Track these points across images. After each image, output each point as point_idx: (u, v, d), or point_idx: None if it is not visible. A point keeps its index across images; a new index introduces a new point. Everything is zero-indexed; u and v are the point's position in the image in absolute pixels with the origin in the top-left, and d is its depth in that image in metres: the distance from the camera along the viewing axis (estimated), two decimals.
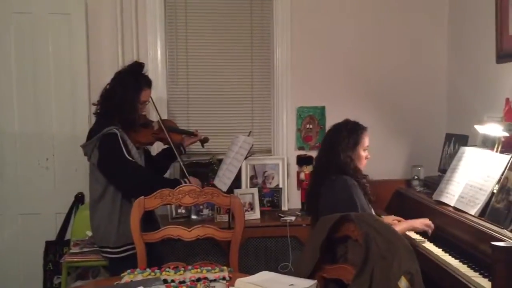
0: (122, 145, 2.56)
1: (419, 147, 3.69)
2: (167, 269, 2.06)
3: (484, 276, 2.11)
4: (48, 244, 3.38)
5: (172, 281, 1.94)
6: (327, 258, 2.04)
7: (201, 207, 3.40)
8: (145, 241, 2.26)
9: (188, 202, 2.33)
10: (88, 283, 3.03)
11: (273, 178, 3.65)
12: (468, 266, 2.24)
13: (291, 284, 1.81)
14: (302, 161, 3.64)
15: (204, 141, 3.21)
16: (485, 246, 2.13)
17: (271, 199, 3.58)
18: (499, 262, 1.84)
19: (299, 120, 3.69)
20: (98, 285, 2.60)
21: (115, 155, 2.56)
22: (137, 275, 2.01)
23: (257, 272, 1.97)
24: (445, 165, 3.10)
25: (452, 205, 2.61)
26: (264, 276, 1.93)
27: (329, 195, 2.54)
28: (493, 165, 2.45)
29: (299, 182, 3.65)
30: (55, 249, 3.37)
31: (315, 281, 1.85)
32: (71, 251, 3.04)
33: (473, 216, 2.40)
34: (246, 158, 3.07)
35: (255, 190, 3.49)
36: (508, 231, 2.12)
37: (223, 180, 3.00)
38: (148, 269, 2.07)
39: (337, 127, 2.71)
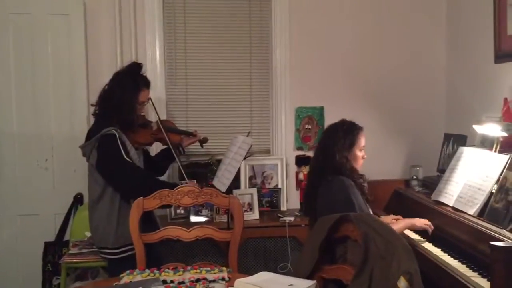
0: (120, 146, 2.55)
1: (418, 147, 3.69)
2: (166, 270, 2.06)
3: (483, 276, 2.11)
4: (47, 245, 3.38)
5: (171, 281, 1.93)
6: (326, 259, 2.04)
7: (200, 207, 3.40)
8: (144, 242, 2.25)
9: (187, 203, 2.33)
10: (87, 284, 3.03)
11: (272, 178, 3.65)
12: (467, 266, 2.24)
13: (290, 285, 1.80)
14: (301, 161, 3.64)
15: (203, 141, 3.20)
16: (484, 246, 2.13)
17: (270, 199, 3.58)
18: (498, 262, 1.85)
19: (297, 120, 3.70)
20: (97, 286, 2.60)
21: (113, 156, 2.55)
22: (136, 276, 2.01)
23: (256, 273, 1.96)
24: (444, 165, 3.10)
25: (451, 205, 2.61)
26: (263, 276, 1.93)
27: (326, 195, 2.54)
28: (491, 165, 2.45)
29: (298, 183, 3.66)
30: (54, 250, 3.37)
31: (314, 281, 1.85)
32: (70, 252, 3.04)
33: (472, 216, 2.40)
34: (245, 158, 3.07)
35: (254, 191, 3.49)
36: (507, 231, 2.12)
37: (222, 180, 3.00)
38: (147, 270, 2.06)
39: (333, 128, 2.70)
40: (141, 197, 2.27)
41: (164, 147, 3.06)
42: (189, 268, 2.09)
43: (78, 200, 3.45)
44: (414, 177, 3.32)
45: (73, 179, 3.45)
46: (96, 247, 2.76)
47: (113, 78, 2.75)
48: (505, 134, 2.53)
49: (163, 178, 3.34)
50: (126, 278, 2.00)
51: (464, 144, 2.96)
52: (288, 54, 3.64)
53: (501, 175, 2.36)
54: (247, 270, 2.94)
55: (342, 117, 2.77)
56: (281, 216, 3.38)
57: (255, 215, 3.41)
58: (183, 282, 1.92)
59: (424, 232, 2.68)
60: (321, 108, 3.69)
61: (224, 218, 3.25)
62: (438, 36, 3.71)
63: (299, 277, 1.94)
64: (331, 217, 1.99)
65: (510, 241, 2.01)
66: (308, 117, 3.70)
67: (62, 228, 3.41)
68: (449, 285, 2.22)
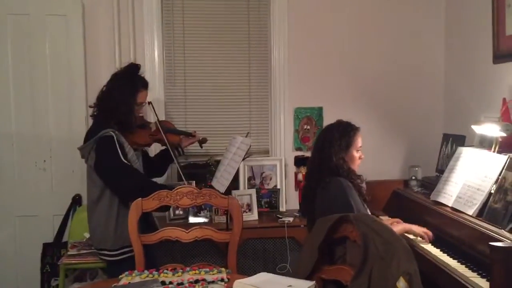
0: (118, 148, 2.55)
1: (416, 148, 3.69)
2: (165, 271, 2.06)
3: (482, 276, 2.11)
4: (46, 246, 3.38)
5: (170, 283, 1.93)
6: (326, 259, 2.04)
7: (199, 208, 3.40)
8: (143, 243, 2.25)
9: (186, 204, 2.32)
10: (86, 285, 3.02)
11: (270, 179, 3.65)
12: (466, 266, 2.24)
13: (290, 286, 1.80)
14: (299, 162, 3.64)
15: (202, 141, 3.20)
16: (483, 246, 2.13)
17: (269, 200, 3.58)
18: (497, 262, 1.85)
19: (296, 121, 3.70)
20: (96, 287, 2.59)
21: (111, 158, 2.55)
22: (135, 277, 2.01)
23: (255, 274, 1.96)
24: (443, 166, 3.10)
25: (449, 205, 2.61)
26: (263, 277, 1.92)
27: (324, 197, 2.54)
28: (490, 165, 2.45)
29: (297, 183, 3.65)
30: (52, 251, 3.36)
31: (314, 282, 1.85)
32: (68, 253, 3.04)
33: (471, 216, 2.40)
34: (244, 159, 3.07)
35: (253, 191, 3.48)
36: (506, 231, 2.12)
37: (221, 181, 3.00)
38: (146, 271, 2.06)
39: (329, 129, 2.69)
40: (139, 198, 2.27)
41: (163, 147, 3.06)
42: (188, 269, 2.09)
43: (76, 201, 3.45)
44: (413, 178, 3.33)
45: (72, 180, 3.45)
46: (95, 248, 2.75)
47: (111, 79, 2.75)
48: (503, 134, 2.53)
49: (162, 178, 3.36)
50: (124, 279, 2.00)
51: (462, 144, 2.96)
52: (287, 54, 3.64)
53: (500, 175, 2.36)
54: (246, 271, 2.94)
55: (341, 118, 2.76)
56: (280, 216, 3.38)
57: (254, 215, 3.41)
58: (182, 283, 1.92)
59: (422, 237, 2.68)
60: (320, 109, 3.69)
61: (223, 219, 3.25)
62: (437, 36, 3.71)
63: (298, 278, 1.94)
64: (330, 218, 1.99)
65: (509, 241, 2.01)
66: (307, 117, 3.70)
67: (60, 229, 3.40)
68: (449, 285, 2.22)
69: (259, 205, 3.50)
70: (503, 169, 2.36)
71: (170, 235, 2.28)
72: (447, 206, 2.63)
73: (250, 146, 3.03)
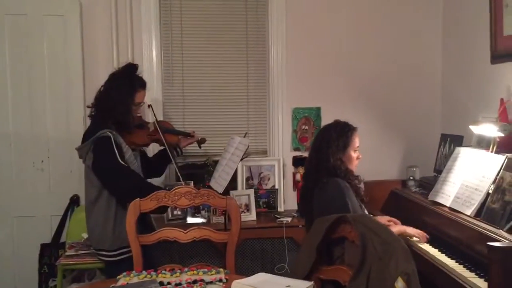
0: (115, 149, 2.54)
1: (414, 148, 3.70)
2: (163, 271, 2.06)
3: (480, 276, 2.11)
4: (43, 246, 3.38)
5: (168, 283, 1.93)
6: (324, 259, 2.04)
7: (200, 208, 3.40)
8: (141, 243, 2.25)
9: (184, 204, 2.32)
10: (84, 285, 3.02)
11: (269, 179, 3.64)
12: (464, 267, 2.25)
13: (288, 286, 1.80)
14: (298, 162, 3.64)
15: (201, 142, 3.20)
16: (481, 246, 2.14)
17: (267, 200, 3.58)
18: (495, 262, 1.85)
19: (294, 121, 3.70)
20: None
21: (108, 159, 2.54)
22: (133, 278, 2.00)
23: (253, 274, 1.96)
24: (441, 166, 3.11)
25: (447, 205, 2.62)
26: (261, 277, 1.92)
27: (322, 198, 2.54)
28: (488, 166, 2.46)
29: (295, 183, 3.65)
30: (50, 251, 3.36)
31: (312, 282, 1.85)
32: (66, 253, 3.03)
33: (468, 216, 2.41)
34: (242, 159, 3.06)
35: (251, 192, 3.48)
36: (503, 231, 2.12)
37: (219, 181, 3.00)
38: (144, 272, 2.06)
39: (326, 129, 2.69)
40: (137, 199, 2.26)
41: (162, 148, 3.06)
42: (186, 269, 2.09)
43: (74, 201, 3.44)
44: (411, 178, 3.33)
45: (70, 180, 3.44)
46: (93, 249, 2.75)
47: (108, 79, 2.74)
48: (501, 135, 2.54)
49: (160, 179, 3.36)
50: (123, 280, 1.99)
51: (460, 145, 2.97)
52: (285, 54, 3.64)
53: (497, 175, 2.36)
54: (244, 271, 2.93)
55: (339, 118, 2.76)
56: (278, 217, 3.38)
57: (252, 216, 3.40)
58: (180, 284, 1.92)
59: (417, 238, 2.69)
60: (318, 109, 3.69)
61: (221, 219, 3.25)
62: (435, 37, 3.72)
63: (297, 278, 1.93)
64: (329, 218, 1.99)
65: (507, 241, 2.02)
66: (305, 117, 3.70)
67: (58, 230, 3.40)
68: (447, 285, 2.23)
69: (257, 205, 3.50)
70: (501, 169, 2.36)
71: (168, 235, 2.28)
72: (445, 206, 2.64)
73: (248, 146, 3.03)
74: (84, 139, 2.63)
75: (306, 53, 3.66)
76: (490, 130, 2.59)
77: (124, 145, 2.63)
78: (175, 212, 3.37)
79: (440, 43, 3.72)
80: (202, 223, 3.26)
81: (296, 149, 3.72)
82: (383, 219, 2.85)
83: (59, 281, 3.03)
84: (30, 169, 3.44)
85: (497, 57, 2.92)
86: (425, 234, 2.65)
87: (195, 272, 2.05)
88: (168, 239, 2.28)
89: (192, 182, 3.41)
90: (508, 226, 2.13)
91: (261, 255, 3.34)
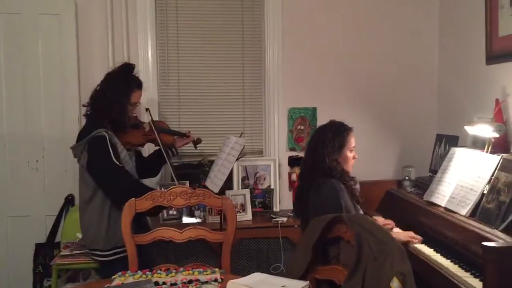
0: (110, 149, 2.53)
1: (410, 148, 3.70)
2: (159, 271, 2.05)
3: (475, 276, 2.12)
4: (38, 246, 3.36)
5: (164, 283, 1.93)
6: (319, 259, 2.04)
7: (192, 209, 3.39)
8: (136, 243, 2.24)
9: (179, 204, 2.31)
10: (78, 285, 3.01)
11: (264, 179, 3.64)
12: (459, 266, 2.25)
13: (283, 286, 1.80)
14: (293, 162, 3.64)
15: (197, 142, 3.19)
16: (476, 246, 2.14)
17: (262, 200, 3.57)
18: (490, 262, 1.86)
19: (290, 121, 3.70)
20: None
21: (102, 159, 2.53)
22: (128, 278, 2.00)
23: (249, 274, 1.96)
24: (436, 166, 3.12)
25: (443, 205, 2.63)
26: (256, 277, 1.92)
27: (317, 198, 2.54)
28: (483, 166, 2.47)
29: (291, 183, 3.65)
30: (45, 251, 3.34)
31: (307, 282, 1.85)
32: (61, 253, 3.02)
33: (464, 216, 2.42)
34: (237, 159, 3.06)
35: (246, 191, 3.48)
36: (498, 231, 2.13)
37: (214, 181, 2.99)
38: (139, 271, 2.05)
39: (322, 129, 2.69)
40: (133, 198, 2.26)
41: (157, 148, 3.05)
42: (181, 269, 2.09)
43: (69, 201, 3.43)
44: (406, 178, 3.34)
45: (64, 180, 3.43)
46: (87, 249, 2.74)
47: (105, 79, 2.73)
48: (496, 135, 2.55)
49: (155, 179, 3.35)
50: (118, 279, 1.99)
51: (456, 145, 2.98)
52: (281, 54, 3.64)
53: (492, 175, 2.37)
54: (240, 271, 2.93)
55: (335, 118, 2.76)
56: (274, 217, 3.38)
57: (248, 216, 3.40)
58: (175, 284, 1.92)
59: (416, 232, 2.69)
60: (314, 109, 3.69)
61: (216, 219, 3.24)
62: (431, 37, 3.73)
63: (292, 278, 1.93)
64: (324, 218, 1.99)
65: (502, 241, 2.03)
66: (301, 117, 3.70)
67: (53, 230, 3.38)
68: (442, 285, 2.23)
69: (253, 205, 3.50)
70: (495, 169, 2.37)
71: (163, 235, 2.27)
72: (440, 206, 2.65)
73: (244, 146, 3.03)
74: (79, 138, 2.62)
75: (302, 53, 3.66)
76: (485, 130, 2.60)
77: (119, 145, 2.62)
78: (170, 212, 3.37)
79: (436, 44, 3.73)
80: (198, 223, 3.25)
81: (292, 149, 3.72)
82: (379, 221, 2.85)
83: (54, 281, 3.01)
84: (25, 168, 3.43)
85: (493, 57, 2.93)
86: (416, 236, 2.64)
87: (190, 272, 2.04)
88: (163, 239, 2.27)
89: (188, 182, 3.41)
90: (503, 226, 2.14)
91: (257, 255, 3.34)
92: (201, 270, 2.06)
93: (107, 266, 2.59)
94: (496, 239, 2.06)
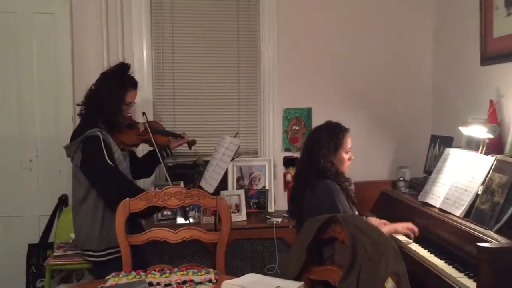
0: (104, 148, 2.52)
1: (404, 149, 3.71)
2: (153, 272, 2.04)
3: (469, 277, 2.12)
4: (31, 247, 3.34)
5: (158, 283, 1.92)
6: (314, 260, 2.03)
7: (187, 209, 3.38)
8: (130, 244, 2.23)
9: (174, 204, 2.31)
10: (72, 286, 2.99)
11: (259, 179, 3.64)
12: (453, 267, 2.26)
13: (278, 286, 1.80)
14: (288, 162, 3.64)
15: (191, 143, 3.18)
16: (470, 247, 2.15)
17: (257, 200, 3.57)
18: (484, 263, 1.86)
19: (285, 121, 3.69)
20: None
21: (96, 159, 2.52)
22: (122, 278, 1.99)
23: (243, 274, 1.96)
24: (431, 167, 3.12)
25: (437, 206, 2.63)
26: (251, 278, 1.92)
27: (312, 199, 2.53)
28: (477, 167, 2.47)
29: (286, 184, 3.65)
30: (38, 252, 3.33)
31: (302, 283, 1.85)
32: (54, 254, 3.01)
33: (458, 217, 2.42)
34: (232, 159, 3.05)
35: (241, 192, 3.47)
36: (492, 232, 2.14)
37: (209, 181, 2.98)
38: (133, 272, 2.04)
39: (317, 130, 2.68)
40: (127, 198, 2.25)
41: (152, 148, 3.04)
42: (175, 270, 2.08)
43: (63, 201, 3.41)
44: (401, 179, 3.34)
45: (58, 180, 3.41)
46: (79, 249, 2.72)
47: (100, 78, 2.72)
48: (490, 136, 2.56)
49: (150, 179, 3.34)
50: (111, 280, 1.97)
51: (450, 146, 2.99)
52: (276, 55, 3.64)
53: (487, 176, 2.38)
54: (235, 271, 2.92)
55: (329, 118, 2.76)
56: (269, 217, 3.38)
57: (242, 216, 3.40)
58: (169, 284, 1.91)
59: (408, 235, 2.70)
60: (309, 109, 3.69)
61: (211, 219, 3.24)
62: (425, 39, 3.74)
63: (287, 279, 1.93)
64: (319, 219, 1.99)
65: (496, 242, 2.03)
66: (296, 118, 3.70)
67: (46, 230, 3.36)
68: (436, 285, 2.23)
69: (248, 205, 3.50)
70: (490, 170, 2.38)
71: (157, 235, 2.26)
72: (434, 207, 2.65)
73: (239, 147, 3.02)
74: (73, 138, 2.61)
75: (297, 54, 3.66)
76: (479, 131, 2.61)
77: (113, 145, 2.61)
78: (165, 213, 3.35)
79: (431, 45, 3.74)
80: (192, 223, 3.24)
81: (287, 149, 3.72)
82: (375, 222, 2.84)
83: (47, 281, 3.00)
84: (18, 168, 3.41)
85: (487, 59, 2.94)
86: (415, 228, 2.65)
87: (184, 272, 2.04)
88: (157, 240, 2.27)
89: (182, 182, 3.40)
90: (497, 227, 2.14)
91: (251, 256, 3.33)
92: (195, 270, 2.05)
93: (100, 266, 2.58)
94: (490, 239, 2.06)
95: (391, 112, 3.75)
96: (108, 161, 2.52)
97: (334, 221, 1.95)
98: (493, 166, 2.37)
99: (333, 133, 2.62)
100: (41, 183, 3.44)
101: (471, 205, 2.39)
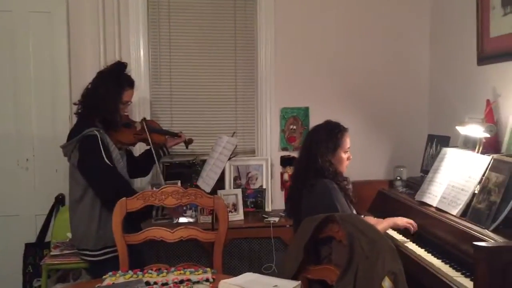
0: (101, 148, 2.51)
1: (401, 148, 3.72)
2: (150, 271, 2.04)
3: (466, 276, 2.13)
4: (28, 246, 3.33)
5: (155, 283, 1.92)
6: (311, 259, 2.03)
7: (184, 208, 3.38)
8: (127, 243, 2.23)
9: (171, 203, 2.30)
10: (69, 285, 2.99)
11: (256, 179, 3.64)
12: (450, 266, 2.26)
13: (275, 286, 1.80)
14: (285, 161, 3.64)
15: (188, 142, 3.18)
16: (467, 246, 2.15)
17: (254, 200, 3.57)
18: (481, 262, 1.86)
19: (282, 120, 3.69)
20: None
21: (93, 158, 2.51)
22: (119, 278, 1.98)
23: (240, 274, 1.95)
24: (427, 166, 3.12)
25: (434, 205, 2.63)
26: (248, 277, 1.92)
27: (310, 199, 2.53)
28: (474, 166, 2.48)
29: (283, 183, 3.65)
30: (35, 251, 3.32)
31: (299, 282, 1.85)
32: (51, 253, 3.00)
33: (455, 216, 2.42)
34: (229, 158, 3.05)
35: (238, 191, 3.47)
36: (489, 231, 2.14)
37: (206, 181, 2.98)
38: (130, 271, 2.04)
39: (316, 130, 2.68)
40: (124, 198, 2.24)
41: (148, 147, 3.03)
42: (172, 269, 2.08)
43: (59, 200, 3.40)
44: (398, 178, 3.35)
45: (55, 179, 3.40)
46: (76, 248, 2.71)
47: (96, 77, 2.72)
48: (487, 135, 2.56)
49: (147, 178, 3.34)
50: (108, 279, 1.97)
51: (447, 145, 2.99)
52: (273, 54, 3.64)
53: (483, 175, 2.38)
54: (232, 271, 2.92)
55: (327, 118, 2.76)
56: (266, 216, 3.37)
57: (239, 215, 3.40)
58: (166, 284, 1.91)
59: (408, 232, 2.70)
60: (306, 109, 3.70)
61: (208, 219, 3.24)
62: (422, 38, 3.74)
63: (284, 278, 1.93)
64: (316, 218, 1.99)
65: (492, 241, 2.03)
66: (293, 117, 3.70)
67: (43, 229, 3.35)
68: (433, 285, 2.24)
69: (245, 205, 3.50)
70: (486, 169, 2.38)
71: (155, 235, 2.26)
72: (431, 206, 2.66)
73: (236, 146, 3.02)
74: (70, 137, 2.60)
75: (294, 53, 3.66)
76: (476, 131, 2.62)
77: (111, 144, 2.61)
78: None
79: (427, 45, 3.74)
80: (189, 223, 3.24)
81: (284, 149, 3.71)
82: (372, 220, 2.84)
83: (44, 281, 2.99)
84: (15, 167, 3.40)
85: (484, 58, 2.94)
86: (415, 223, 2.66)
87: (182, 271, 2.03)
88: (154, 239, 2.26)
89: (179, 181, 3.39)
90: (493, 226, 2.15)
91: (249, 255, 3.33)
92: (192, 270, 2.05)
93: (97, 266, 2.58)
94: (487, 239, 2.06)
95: (388, 112, 3.75)
96: (106, 160, 2.51)
97: (331, 220, 1.95)
98: (490, 165, 2.37)
99: (332, 133, 2.62)
100: (38, 182, 3.43)
101: (468, 205, 2.39)
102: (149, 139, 2.87)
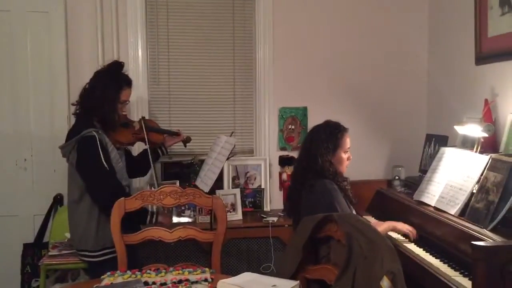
0: (100, 149, 2.51)
1: (400, 148, 3.72)
2: (148, 271, 2.04)
3: (465, 275, 2.13)
4: (26, 246, 3.33)
5: (153, 283, 1.91)
6: (310, 259, 2.03)
7: (182, 208, 3.37)
8: (126, 243, 2.22)
9: (169, 203, 2.30)
10: (67, 286, 2.98)
11: (255, 178, 3.64)
12: (448, 266, 2.26)
13: (274, 285, 1.80)
14: (284, 161, 3.64)
15: (186, 141, 3.18)
16: (465, 245, 2.15)
17: (253, 199, 3.57)
18: (479, 261, 1.87)
19: (281, 120, 3.69)
20: None
21: (91, 159, 2.51)
22: (118, 278, 1.98)
23: (239, 273, 1.95)
24: (426, 166, 3.13)
25: (432, 205, 2.64)
26: (247, 277, 1.91)
27: (309, 199, 2.53)
28: (472, 166, 2.48)
29: (281, 183, 3.65)
30: (33, 251, 3.31)
31: (298, 282, 1.85)
32: (49, 253, 2.99)
33: (453, 216, 2.43)
34: (228, 158, 3.06)
35: (237, 191, 3.47)
36: (487, 230, 2.14)
37: (205, 180, 2.98)
38: (128, 271, 2.04)
39: (316, 130, 2.68)
40: (122, 198, 2.24)
41: (146, 147, 3.03)
42: (171, 269, 2.07)
43: (58, 201, 3.40)
44: (396, 178, 3.35)
45: (53, 179, 3.40)
46: (75, 249, 2.71)
47: (94, 77, 2.71)
48: (485, 135, 2.56)
49: (145, 178, 3.33)
50: (107, 279, 1.97)
51: (445, 145, 2.99)
52: (272, 54, 3.64)
53: (481, 175, 2.38)
54: (230, 270, 2.92)
55: (325, 118, 2.76)
56: (264, 216, 3.37)
57: (238, 215, 3.39)
58: (165, 284, 1.90)
59: (406, 235, 2.70)
60: (305, 109, 3.70)
61: (207, 218, 3.23)
62: (420, 38, 3.74)
63: (283, 278, 1.93)
64: (315, 217, 1.99)
65: (490, 240, 2.04)
66: (292, 117, 3.70)
67: (41, 229, 3.35)
68: (432, 284, 2.24)
69: (244, 204, 3.49)
70: (484, 169, 2.38)
71: (153, 235, 2.26)
72: (430, 205, 2.66)
73: (234, 146, 3.02)
74: (68, 138, 2.60)
75: (293, 53, 3.66)
76: (474, 130, 2.62)
77: (109, 145, 2.61)
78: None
79: (426, 44, 3.75)
80: (188, 223, 3.24)
81: (282, 148, 3.71)
82: (373, 222, 2.85)
83: (42, 281, 2.99)
84: (13, 167, 3.39)
85: (482, 58, 2.95)
86: (414, 230, 2.66)
87: (180, 271, 2.03)
88: (153, 239, 2.26)
89: (178, 181, 3.39)
90: (491, 225, 2.15)
91: (247, 255, 3.33)
92: (191, 270, 2.05)
93: (96, 266, 2.58)
94: (485, 238, 2.07)
95: (387, 111, 3.76)
96: (104, 163, 2.51)
97: (330, 220, 1.95)
98: (488, 165, 2.37)
99: (332, 133, 2.62)
100: (36, 183, 3.43)
101: (466, 204, 2.40)
102: (146, 139, 2.86)
